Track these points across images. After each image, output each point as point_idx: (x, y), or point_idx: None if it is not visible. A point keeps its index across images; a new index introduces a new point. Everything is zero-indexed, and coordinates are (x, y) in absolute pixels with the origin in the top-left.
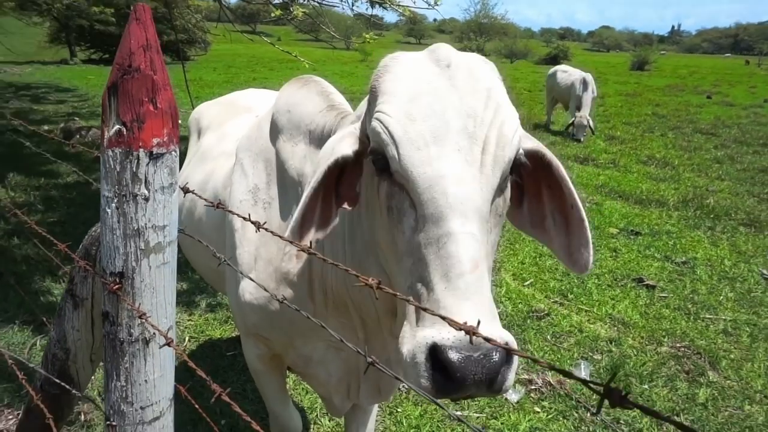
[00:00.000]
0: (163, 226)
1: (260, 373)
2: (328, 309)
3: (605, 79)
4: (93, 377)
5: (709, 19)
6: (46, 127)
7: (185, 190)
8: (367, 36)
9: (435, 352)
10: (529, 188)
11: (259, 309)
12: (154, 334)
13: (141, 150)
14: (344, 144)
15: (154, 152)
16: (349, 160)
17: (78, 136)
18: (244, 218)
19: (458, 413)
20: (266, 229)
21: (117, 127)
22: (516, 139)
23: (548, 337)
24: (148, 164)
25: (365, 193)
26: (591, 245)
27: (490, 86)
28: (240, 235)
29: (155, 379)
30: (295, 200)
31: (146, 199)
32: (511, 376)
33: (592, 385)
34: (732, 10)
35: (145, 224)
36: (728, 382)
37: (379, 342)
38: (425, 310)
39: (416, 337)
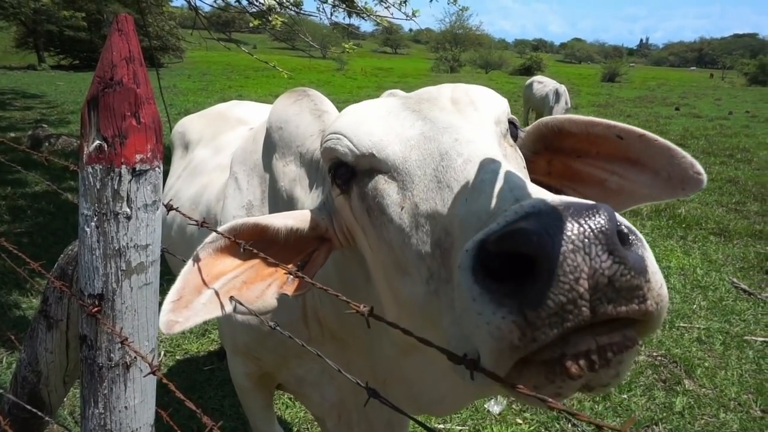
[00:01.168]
0: (146, 245)
1: (247, 391)
2: (324, 336)
3: (578, 91)
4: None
5: (676, 33)
6: (12, 135)
7: (169, 207)
8: (346, 46)
9: (488, 253)
10: (561, 177)
11: (252, 329)
12: (135, 358)
13: (123, 166)
14: (278, 218)
15: (137, 169)
16: (272, 232)
17: (47, 144)
18: (237, 242)
19: (440, 426)
20: (257, 253)
21: (97, 142)
22: (494, 95)
23: None
24: (130, 181)
25: (345, 258)
26: (678, 150)
27: (439, 86)
28: None
29: (136, 405)
30: None
31: (128, 218)
32: (651, 257)
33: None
34: (697, 25)
35: (127, 244)
36: (703, 390)
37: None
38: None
39: (457, 274)
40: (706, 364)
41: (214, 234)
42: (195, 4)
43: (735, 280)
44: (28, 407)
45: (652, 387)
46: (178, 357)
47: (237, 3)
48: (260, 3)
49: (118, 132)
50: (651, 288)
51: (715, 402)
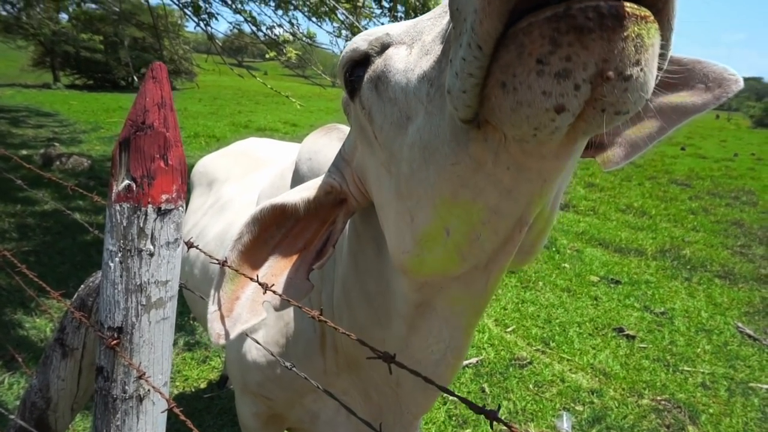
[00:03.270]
0: (166, 281)
1: (253, 431)
2: (338, 366)
3: None
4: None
5: None
6: (24, 152)
7: (189, 245)
8: None
9: None
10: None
11: (267, 367)
12: (148, 390)
13: (149, 206)
14: (293, 194)
15: (162, 208)
16: (291, 210)
17: (58, 163)
18: (251, 279)
19: None
20: (274, 292)
21: (126, 182)
22: None
23: (530, 386)
24: (155, 220)
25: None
26: (708, 61)
27: None
28: None
29: None
30: None
31: (151, 255)
32: None
33: None
34: None
35: (148, 279)
36: None
37: (392, 413)
38: None
39: None
40: (711, 411)
41: (240, 230)
42: (211, 32)
43: (740, 324)
44: None
45: None
46: (177, 383)
47: (252, 33)
48: (275, 35)
49: (147, 173)
50: None
51: None
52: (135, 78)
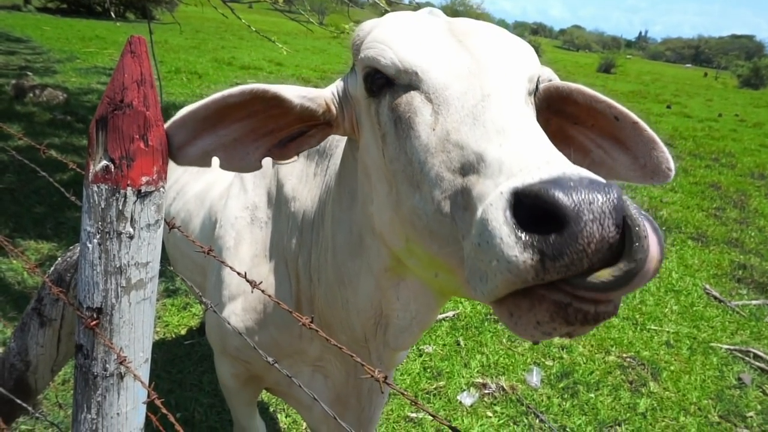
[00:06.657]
0: (146, 262)
1: (233, 391)
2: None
3: (573, 80)
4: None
5: (675, 28)
6: None
7: (171, 226)
8: (346, 26)
9: (520, 202)
10: (555, 137)
11: (246, 334)
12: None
13: (129, 188)
14: (294, 95)
15: (142, 190)
16: (279, 101)
17: (31, 95)
18: (239, 273)
19: (413, 414)
20: (262, 291)
21: (104, 162)
22: (532, 52)
23: (504, 340)
24: (135, 202)
25: (348, 168)
26: (661, 144)
27: (481, 23)
28: (231, 255)
29: (128, 411)
30: (287, 218)
31: (131, 237)
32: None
33: None
34: (696, 22)
35: (128, 262)
36: (667, 393)
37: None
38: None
39: (485, 209)
40: (672, 368)
41: (234, 91)
42: None
43: (707, 286)
44: (12, 397)
45: (619, 387)
46: (158, 329)
47: None
48: None
49: (126, 154)
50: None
51: (677, 405)
52: (110, 5)
